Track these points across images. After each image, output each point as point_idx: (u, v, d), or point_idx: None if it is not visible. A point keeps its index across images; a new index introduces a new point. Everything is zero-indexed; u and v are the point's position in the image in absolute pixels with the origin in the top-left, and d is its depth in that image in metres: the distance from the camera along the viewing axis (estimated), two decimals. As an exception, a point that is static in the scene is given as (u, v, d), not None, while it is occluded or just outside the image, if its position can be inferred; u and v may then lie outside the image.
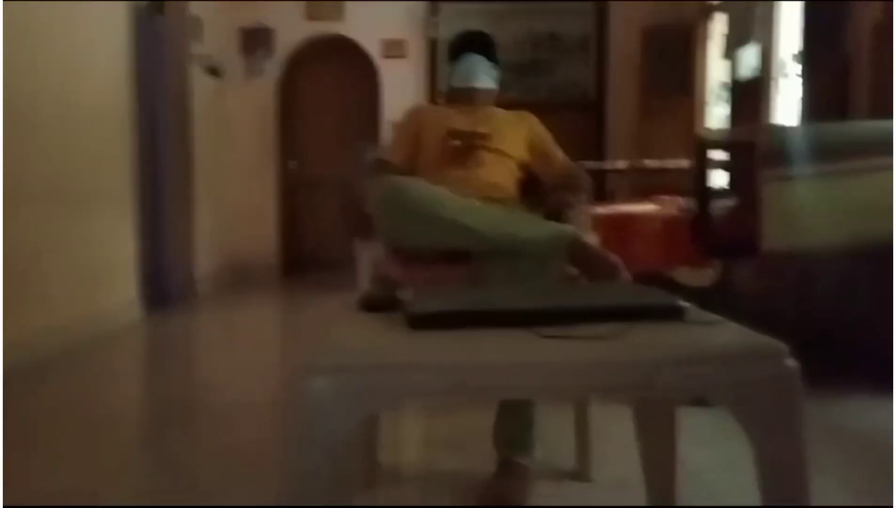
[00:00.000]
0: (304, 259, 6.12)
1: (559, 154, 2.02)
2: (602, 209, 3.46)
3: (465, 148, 1.89)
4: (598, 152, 5.55)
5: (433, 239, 1.57)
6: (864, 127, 2.67)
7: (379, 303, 1.29)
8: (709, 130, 3.90)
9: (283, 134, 6.03)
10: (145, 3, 4.36)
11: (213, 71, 5.34)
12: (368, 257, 1.78)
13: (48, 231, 3.26)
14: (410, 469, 1.96)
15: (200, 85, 5.11)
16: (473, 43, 2.04)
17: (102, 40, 3.79)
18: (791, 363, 1.01)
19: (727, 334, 1.12)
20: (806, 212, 2.45)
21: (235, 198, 5.81)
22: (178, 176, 4.69)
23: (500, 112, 2.05)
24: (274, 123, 5.96)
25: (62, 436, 2.20)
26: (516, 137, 1.98)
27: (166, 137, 4.48)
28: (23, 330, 3.00)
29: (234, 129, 5.80)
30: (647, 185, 4.83)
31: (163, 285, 4.39)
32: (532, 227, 1.59)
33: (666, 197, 3.61)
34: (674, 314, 1.17)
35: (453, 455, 2.01)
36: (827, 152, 2.47)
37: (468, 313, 1.15)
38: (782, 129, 2.85)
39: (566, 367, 1.03)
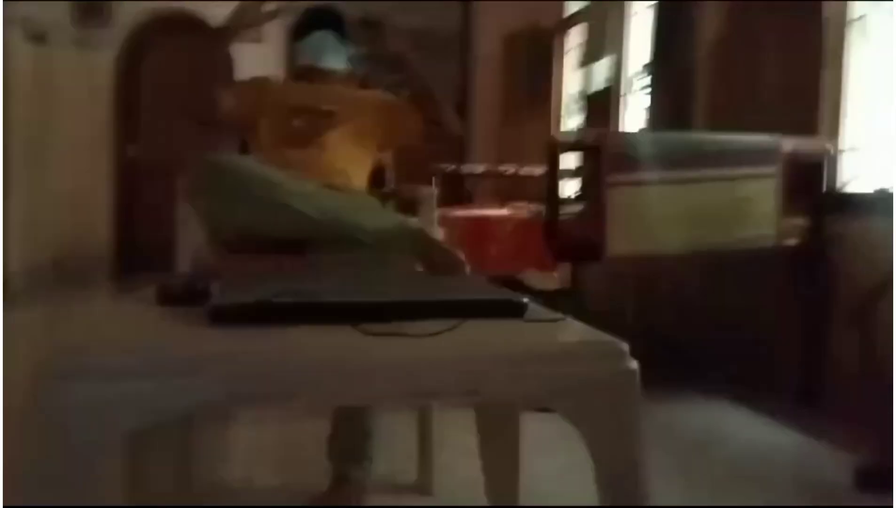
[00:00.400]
0: (142, 254, 5.59)
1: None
2: (456, 211, 3.42)
3: (307, 128, 1.69)
4: (460, 154, 5.54)
5: (260, 225, 1.39)
6: (703, 138, 2.79)
7: (177, 294, 1.09)
8: (561, 133, 4.00)
9: (122, 116, 5.49)
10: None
11: (38, 37, 4.73)
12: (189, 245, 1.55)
13: None
14: (231, 485, 1.74)
15: (21, 52, 4.50)
16: (321, 20, 1.84)
17: None
18: (631, 363, 0.94)
19: (567, 331, 1.04)
20: (648, 218, 2.51)
21: (62, 184, 5.19)
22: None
23: (355, 92, 1.88)
24: (111, 102, 5.41)
25: None
26: (373, 122, 1.78)
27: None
28: None
29: (61, 106, 5.18)
30: (504, 190, 4.88)
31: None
32: (373, 216, 1.47)
33: (521, 203, 3.64)
34: (513, 311, 1.08)
35: (282, 468, 1.82)
36: (669, 160, 2.55)
37: (278, 305, 0.98)
38: (628, 135, 2.94)
39: (387, 368, 0.89)
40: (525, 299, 1.09)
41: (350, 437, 1.60)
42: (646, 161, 2.50)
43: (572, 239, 2.61)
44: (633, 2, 4.24)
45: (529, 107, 5.34)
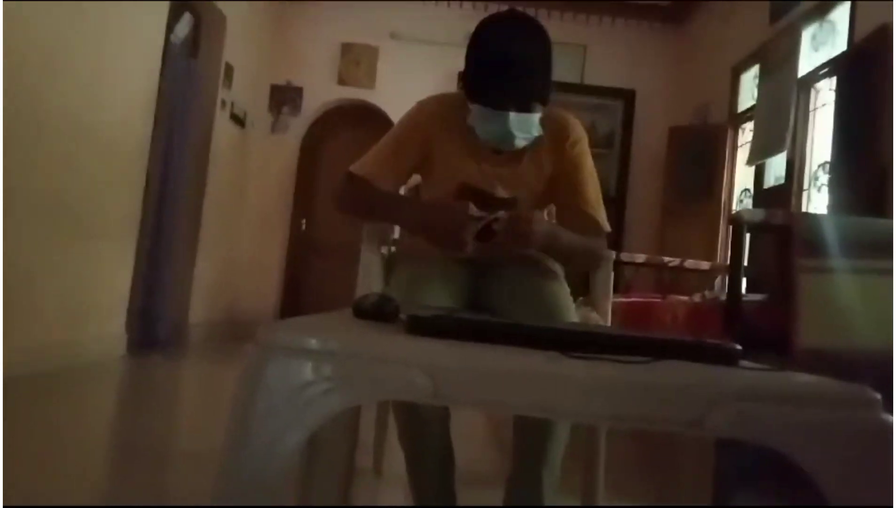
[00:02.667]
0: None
1: (589, 196, 1.55)
2: (620, 298, 3.30)
3: (480, 229, 1.37)
4: (616, 248, 5.44)
5: None
6: (907, 226, 2.52)
7: (370, 310, 1.09)
8: (745, 210, 3.78)
9: (301, 192, 5.99)
10: (179, 41, 4.41)
11: (238, 119, 5.35)
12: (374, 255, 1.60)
13: (46, 251, 3.13)
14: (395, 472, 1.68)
15: (223, 132, 5.10)
16: (507, 78, 1.36)
17: (132, 71, 3.78)
18: (886, 416, 0.81)
19: (795, 377, 0.92)
20: (845, 309, 2.27)
21: (244, 250, 5.69)
22: (186, 218, 4.59)
23: (534, 178, 1.54)
24: (292, 180, 5.93)
25: (19, 459, 1.95)
26: (541, 176, 1.53)
27: (180, 177, 4.41)
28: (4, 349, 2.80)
29: (252, 181, 5.76)
30: (662, 283, 4.69)
31: (152, 325, 4.20)
32: None
33: (684, 297, 3.43)
34: (726, 358, 0.99)
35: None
36: (866, 248, 2.32)
37: (477, 323, 0.96)
38: (820, 217, 2.72)
39: (599, 388, 0.83)
40: (739, 348, 1.00)
41: (533, 438, 1.43)
42: (839, 247, 2.30)
43: (757, 328, 2.41)
44: (811, 97, 4.06)
45: (691, 203, 5.18)
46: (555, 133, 1.52)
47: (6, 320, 2.81)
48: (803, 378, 0.93)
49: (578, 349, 0.91)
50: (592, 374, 0.84)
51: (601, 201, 1.57)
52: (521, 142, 1.44)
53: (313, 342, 0.83)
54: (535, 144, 1.48)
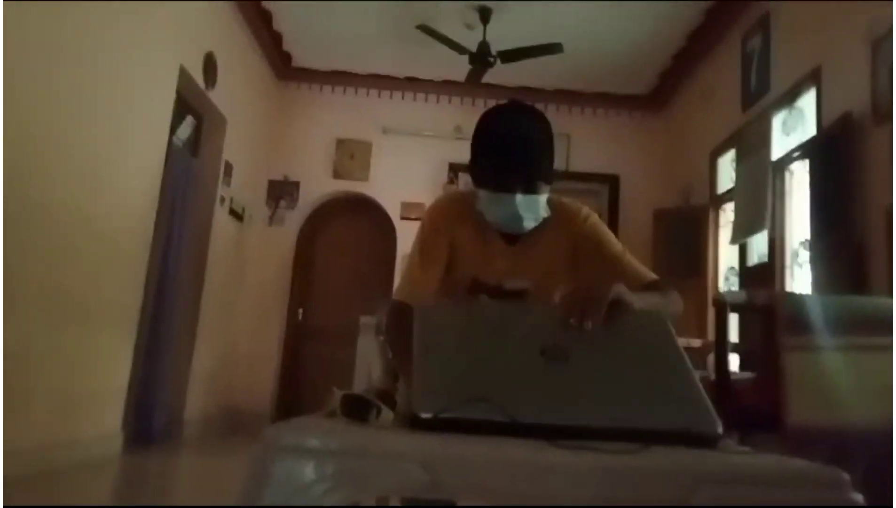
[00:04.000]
0: (299, 411, 5.86)
1: (627, 258, 1.55)
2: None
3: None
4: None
5: None
6: (887, 303, 2.60)
7: (362, 404, 1.12)
8: (728, 292, 3.88)
9: (298, 283, 6.07)
10: (182, 141, 4.60)
11: (237, 214, 5.49)
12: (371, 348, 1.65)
13: (42, 342, 3.15)
14: None
15: (223, 226, 5.23)
16: (513, 161, 1.43)
17: (137, 166, 3.93)
18: (857, 496, 0.86)
19: (773, 460, 0.98)
20: (833, 386, 2.32)
21: (240, 340, 5.72)
22: (185, 309, 4.64)
23: (547, 266, 1.56)
24: (289, 271, 6.03)
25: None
26: (559, 258, 1.55)
27: (180, 269, 4.50)
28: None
29: (249, 272, 5.86)
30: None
31: (149, 420, 4.18)
32: None
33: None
34: (706, 442, 1.04)
35: None
36: (849, 325, 2.39)
37: (476, 422, 1.02)
38: (803, 296, 2.80)
39: (588, 475, 0.88)
40: (720, 431, 1.06)
41: None
42: (823, 324, 2.37)
43: (745, 406, 2.45)
44: (787, 179, 4.24)
45: (681, 280, 5.28)
46: (565, 215, 1.57)
47: (6, 412, 2.81)
48: (779, 461, 0.98)
49: (568, 437, 0.97)
50: (579, 462, 0.89)
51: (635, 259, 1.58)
52: (529, 223, 1.48)
53: (315, 442, 0.89)
54: (547, 228, 1.52)
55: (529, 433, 0.99)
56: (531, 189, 1.46)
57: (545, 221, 1.51)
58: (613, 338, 1.18)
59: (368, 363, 1.81)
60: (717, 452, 1.01)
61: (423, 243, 1.61)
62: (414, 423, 1.01)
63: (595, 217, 1.63)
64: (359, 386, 1.62)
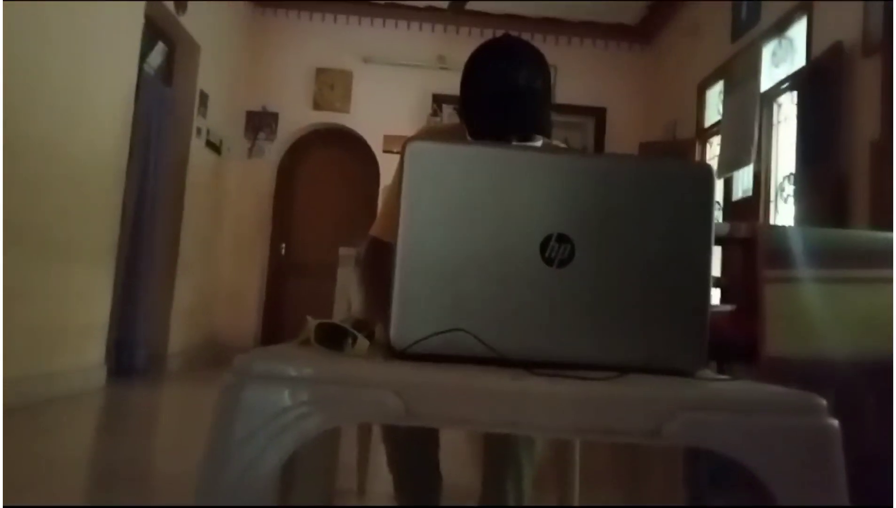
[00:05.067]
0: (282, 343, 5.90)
1: None
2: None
3: None
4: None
5: None
6: (869, 236, 2.62)
7: (337, 333, 1.10)
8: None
9: (278, 216, 6.01)
10: (153, 70, 4.43)
11: (214, 146, 5.36)
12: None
13: (23, 278, 3.10)
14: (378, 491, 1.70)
15: (199, 159, 5.11)
16: (507, 111, 1.33)
17: (106, 97, 3.79)
18: (832, 421, 0.86)
19: (749, 386, 0.98)
20: (811, 318, 2.34)
21: (222, 275, 5.69)
22: (163, 244, 4.58)
23: None
24: (270, 205, 5.95)
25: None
26: None
27: (157, 204, 4.41)
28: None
29: (228, 207, 5.77)
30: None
31: (131, 353, 4.18)
32: None
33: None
34: (682, 371, 1.04)
35: None
36: (830, 257, 2.40)
37: (453, 356, 1.00)
38: (784, 228, 2.80)
39: (563, 402, 0.88)
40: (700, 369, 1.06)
41: (499, 455, 1.46)
42: (804, 257, 2.38)
43: (724, 338, 2.47)
44: (774, 111, 4.19)
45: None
46: None
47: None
48: (756, 387, 0.99)
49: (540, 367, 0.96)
50: (556, 389, 0.88)
51: None
52: None
53: (290, 370, 0.87)
54: None
55: (508, 364, 0.98)
56: (525, 138, 1.38)
57: None
58: (639, 213, 1.03)
59: (348, 294, 1.80)
60: (691, 380, 1.01)
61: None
62: (389, 353, 0.99)
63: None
64: (338, 317, 1.60)
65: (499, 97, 1.33)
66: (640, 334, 1.04)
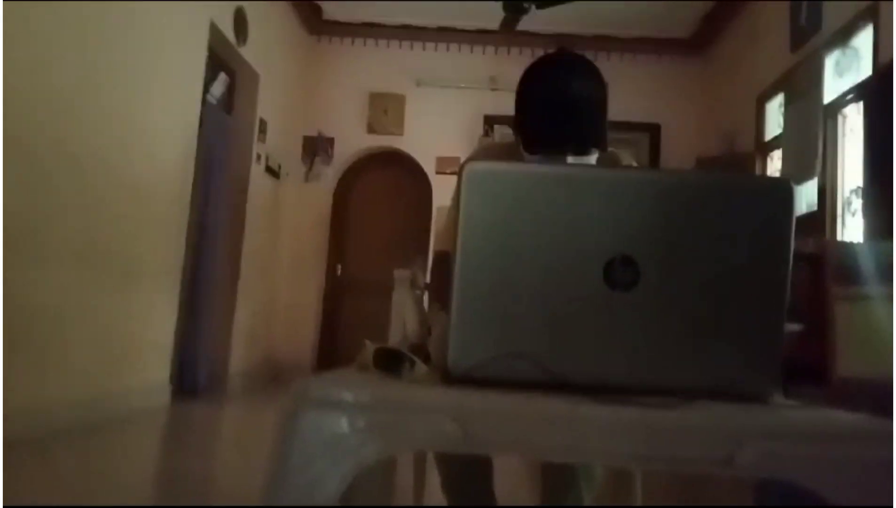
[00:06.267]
0: (339, 363, 5.96)
1: None
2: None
3: None
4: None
5: None
6: (943, 250, 2.47)
7: (395, 357, 1.09)
8: None
9: (335, 238, 6.11)
10: (216, 99, 4.60)
11: (272, 171, 5.51)
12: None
13: (79, 298, 3.21)
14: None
15: (259, 183, 5.26)
16: (563, 125, 1.34)
17: (172, 124, 3.94)
18: (906, 450, 0.81)
19: (823, 414, 0.93)
20: (882, 337, 2.23)
21: (280, 295, 5.80)
22: (226, 266, 4.71)
23: None
24: (326, 227, 6.06)
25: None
26: None
27: (218, 227, 4.55)
28: (36, 398, 2.89)
29: (286, 229, 5.90)
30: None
31: (195, 372, 4.29)
32: None
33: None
34: (754, 397, 1.00)
35: None
36: (902, 274, 2.28)
37: (512, 378, 0.98)
38: (852, 244, 2.69)
39: (627, 430, 0.85)
40: (774, 392, 1.01)
41: (559, 481, 1.45)
42: (874, 273, 2.27)
43: (795, 358, 2.37)
44: (839, 123, 4.04)
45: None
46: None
47: (35, 368, 2.89)
48: (830, 415, 0.94)
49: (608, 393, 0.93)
50: (617, 416, 0.86)
51: None
52: None
53: (347, 395, 0.87)
54: None
55: (569, 390, 0.96)
56: (582, 152, 1.37)
57: None
58: (709, 231, 1.00)
59: (403, 316, 1.80)
60: (763, 406, 0.97)
61: None
62: (447, 378, 0.98)
63: (633, 162, 1.60)
64: (393, 340, 1.61)
65: (554, 108, 1.33)
66: (708, 358, 1.00)
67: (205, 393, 4.35)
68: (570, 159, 1.36)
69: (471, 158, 1.62)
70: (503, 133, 5.76)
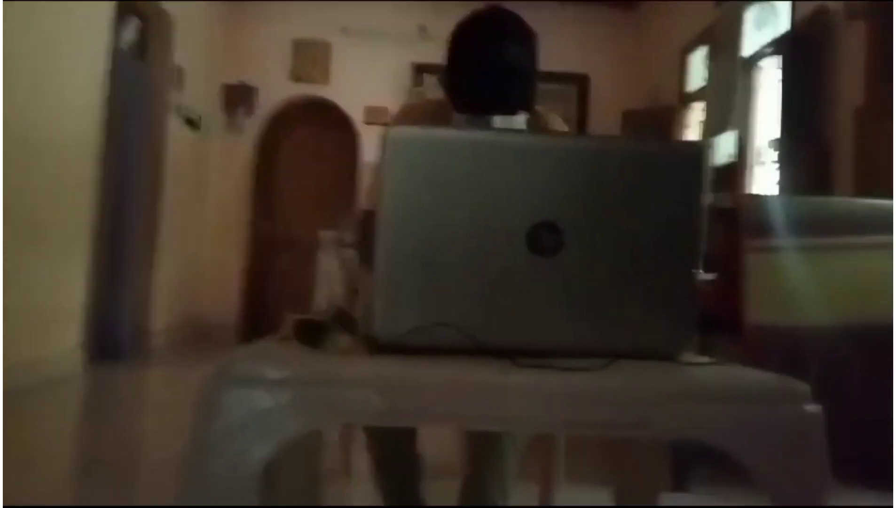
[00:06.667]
0: (265, 321, 5.86)
1: None
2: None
3: None
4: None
5: None
6: (851, 203, 2.62)
7: (317, 328, 1.06)
8: None
9: (259, 193, 5.93)
10: (127, 46, 4.32)
11: (191, 123, 5.26)
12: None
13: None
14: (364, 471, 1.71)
15: (177, 135, 5.01)
16: (493, 87, 1.34)
17: (78, 75, 3.68)
18: (812, 406, 0.86)
19: (732, 372, 0.97)
20: (793, 287, 2.36)
21: (203, 253, 5.63)
22: (143, 224, 4.52)
23: None
24: (250, 180, 5.87)
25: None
26: None
27: (135, 183, 4.34)
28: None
29: (208, 183, 5.69)
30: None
31: (112, 335, 4.14)
32: None
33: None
34: (665, 354, 1.03)
35: None
36: (813, 226, 2.41)
37: (439, 346, 0.98)
38: (766, 198, 2.81)
39: (548, 397, 0.87)
40: (684, 352, 1.05)
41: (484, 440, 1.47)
42: (786, 226, 2.38)
43: (708, 307, 2.48)
44: (757, 76, 4.17)
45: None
46: (536, 128, 1.51)
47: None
48: (739, 373, 0.98)
49: (532, 355, 0.94)
50: (541, 384, 0.87)
51: None
52: None
53: (269, 371, 0.85)
54: None
55: (493, 356, 0.97)
56: (510, 112, 1.37)
57: None
58: (628, 195, 1.02)
59: (329, 278, 1.76)
60: (677, 366, 1.00)
61: None
62: (372, 347, 0.97)
63: (562, 127, 1.60)
64: (319, 302, 1.58)
65: (483, 71, 1.33)
66: (627, 319, 1.03)
67: (127, 356, 4.21)
68: (497, 120, 1.36)
69: (399, 116, 1.59)
70: (433, 83, 5.67)
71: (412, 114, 1.60)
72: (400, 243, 1.03)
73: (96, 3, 3.81)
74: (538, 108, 1.54)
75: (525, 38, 1.37)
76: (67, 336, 3.75)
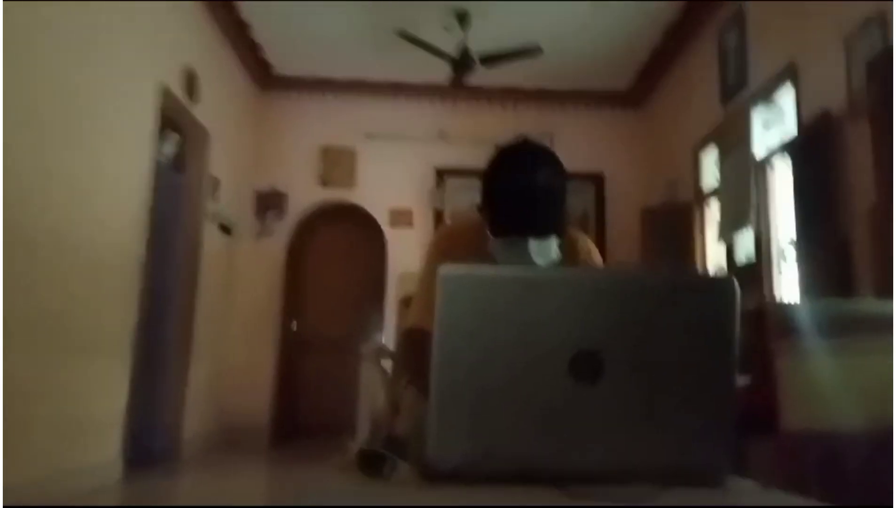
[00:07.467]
0: (296, 425, 5.87)
1: None
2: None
3: None
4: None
5: None
6: (873, 304, 2.67)
7: (378, 455, 1.14)
8: None
9: (288, 294, 6.06)
10: (166, 158, 4.58)
11: (225, 229, 5.47)
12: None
13: (41, 375, 3.13)
14: None
15: (212, 241, 5.21)
16: (527, 214, 1.46)
17: (122, 187, 3.89)
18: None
19: (776, 498, 1.01)
20: (823, 390, 2.37)
21: (234, 355, 5.70)
22: (179, 329, 4.63)
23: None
24: (280, 283, 6.01)
25: None
26: None
27: (172, 289, 4.48)
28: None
29: (240, 286, 5.84)
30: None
31: (148, 444, 4.17)
32: None
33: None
34: (712, 480, 1.08)
35: None
36: (838, 327, 2.44)
37: (490, 473, 1.04)
38: (789, 302, 2.86)
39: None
40: (728, 472, 1.10)
41: None
42: (813, 328, 2.42)
43: (743, 411, 2.49)
44: (770, 175, 4.29)
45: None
46: (569, 251, 1.62)
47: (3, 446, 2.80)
48: (783, 500, 1.02)
49: (581, 481, 1.00)
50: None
51: None
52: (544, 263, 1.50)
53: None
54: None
55: (543, 483, 1.02)
56: (545, 236, 1.48)
57: None
58: (665, 326, 1.09)
59: (371, 392, 1.84)
60: (723, 494, 1.04)
61: (433, 268, 1.63)
62: (426, 475, 1.03)
63: (595, 252, 1.70)
64: (362, 416, 1.64)
65: (518, 199, 1.46)
66: (669, 444, 1.08)
67: (159, 463, 4.22)
68: (532, 244, 1.47)
69: (439, 241, 1.70)
70: (456, 186, 5.89)
71: (451, 238, 1.70)
72: (452, 373, 1.10)
73: (139, 118, 4.08)
74: (570, 229, 1.66)
75: (554, 167, 1.50)
76: (108, 446, 3.79)
